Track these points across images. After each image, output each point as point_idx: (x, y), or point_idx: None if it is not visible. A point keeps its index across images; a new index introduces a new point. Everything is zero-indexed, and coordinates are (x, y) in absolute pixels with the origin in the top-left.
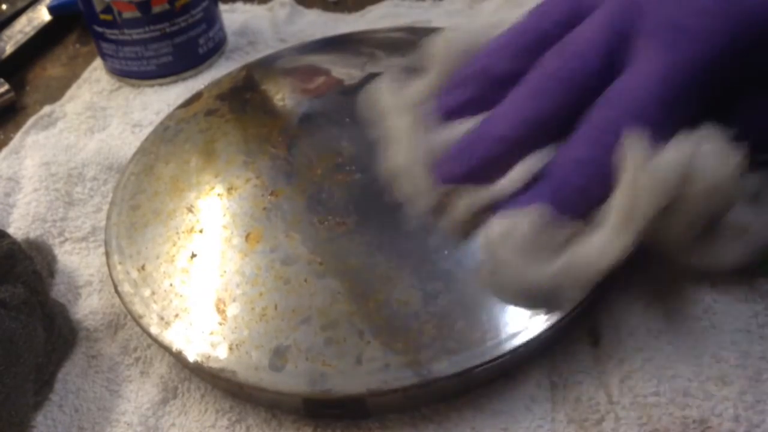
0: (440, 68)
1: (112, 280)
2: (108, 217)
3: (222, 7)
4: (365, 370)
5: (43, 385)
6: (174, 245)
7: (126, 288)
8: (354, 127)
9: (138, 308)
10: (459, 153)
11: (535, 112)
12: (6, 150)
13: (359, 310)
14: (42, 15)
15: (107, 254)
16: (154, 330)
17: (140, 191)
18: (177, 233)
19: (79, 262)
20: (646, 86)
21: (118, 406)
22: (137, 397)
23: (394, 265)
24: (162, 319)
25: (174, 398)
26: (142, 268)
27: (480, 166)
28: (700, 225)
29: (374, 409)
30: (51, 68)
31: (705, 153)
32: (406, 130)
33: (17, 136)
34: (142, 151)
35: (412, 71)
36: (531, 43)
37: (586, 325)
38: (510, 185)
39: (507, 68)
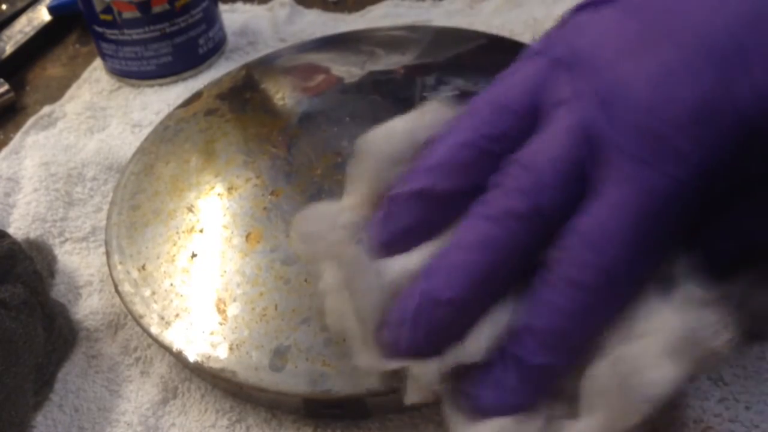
0: (366, 186)
1: (113, 279)
2: (108, 217)
3: (222, 7)
4: (365, 371)
5: (43, 385)
6: (174, 245)
7: (126, 288)
8: (354, 125)
9: (138, 308)
10: (402, 322)
11: (488, 265)
12: (6, 150)
13: None
14: (42, 15)
15: (107, 254)
16: (154, 330)
17: (140, 191)
18: (177, 233)
19: (79, 262)
20: (614, 225)
21: (118, 406)
22: (137, 397)
23: None
24: (162, 318)
25: (174, 398)
26: (143, 267)
27: (427, 338)
28: None
29: (374, 409)
30: (51, 68)
31: (697, 328)
32: (343, 280)
33: (17, 136)
34: (142, 150)
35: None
36: (479, 153)
37: None
38: (474, 354)
39: (450, 187)
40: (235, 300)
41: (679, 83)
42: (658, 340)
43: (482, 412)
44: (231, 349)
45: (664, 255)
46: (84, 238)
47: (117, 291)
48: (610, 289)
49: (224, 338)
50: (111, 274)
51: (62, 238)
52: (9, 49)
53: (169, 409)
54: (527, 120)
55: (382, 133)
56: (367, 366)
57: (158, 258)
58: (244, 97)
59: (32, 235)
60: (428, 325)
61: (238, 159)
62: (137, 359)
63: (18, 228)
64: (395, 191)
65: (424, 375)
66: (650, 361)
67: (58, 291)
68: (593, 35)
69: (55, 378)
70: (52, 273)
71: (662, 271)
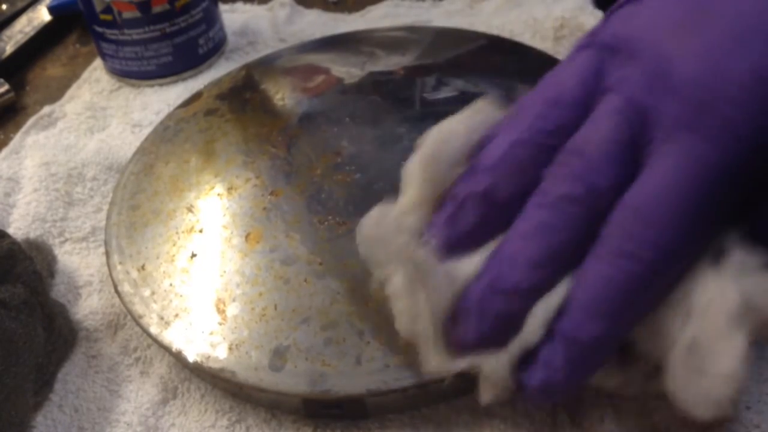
0: (425, 187)
1: (112, 279)
2: (108, 217)
3: (222, 7)
4: (365, 371)
5: (43, 385)
6: (174, 245)
7: (126, 288)
8: (354, 126)
9: (138, 308)
10: (468, 315)
11: (547, 250)
12: (6, 150)
13: (359, 311)
14: (42, 15)
15: (107, 254)
16: (153, 330)
17: (140, 191)
18: (177, 233)
19: (79, 262)
20: (665, 195)
21: (118, 406)
22: (137, 397)
23: None
24: (162, 318)
25: (174, 398)
26: (142, 267)
27: (493, 327)
28: None
29: (374, 409)
30: (51, 68)
31: (756, 293)
32: (413, 283)
33: (17, 136)
34: (142, 151)
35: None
36: (536, 149)
37: None
38: (532, 337)
39: (510, 186)
40: (234, 300)
41: (727, 55)
42: (721, 312)
43: (532, 394)
44: (230, 349)
45: (716, 226)
46: (84, 238)
47: (116, 291)
48: (659, 259)
49: (224, 338)
50: (110, 274)
51: (62, 238)
52: (9, 49)
53: (168, 410)
54: (580, 111)
55: (438, 133)
56: (438, 369)
57: (158, 258)
58: (243, 97)
59: (32, 235)
60: (493, 314)
61: (238, 159)
62: (137, 359)
63: (18, 228)
64: (457, 192)
65: (495, 370)
66: (721, 339)
67: (58, 291)
68: (638, 22)
69: (55, 378)
70: (52, 273)
71: (714, 243)
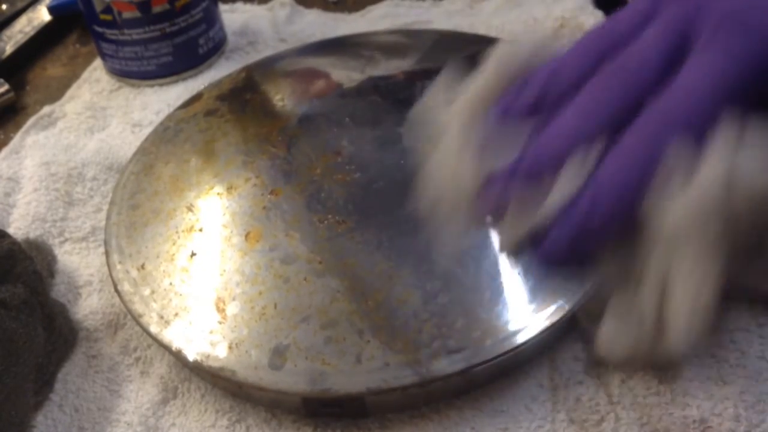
0: (501, 70)
1: (112, 279)
2: (108, 217)
3: (222, 7)
4: (365, 369)
5: (43, 385)
6: (174, 244)
7: (126, 287)
8: (354, 127)
9: (138, 307)
10: (531, 154)
11: (596, 114)
12: (6, 150)
13: (359, 309)
14: (42, 15)
15: (107, 253)
16: (153, 329)
17: (140, 191)
18: (177, 232)
19: (79, 262)
20: (701, 83)
21: (118, 406)
22: (137, 397)
23: (393, 264)
24: (162, 318)
25: (174, 398)
26: (142, 267)
27: (546, 163)
28: (751, 241)
29: (374, 408)
30: (51, 68)
31: (746, 158)
32: (459, 132)
33: (17, 136)
34: (142, 151)
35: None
36: (603, 47)
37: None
38: (568, 189)
39: (576, 72)
40: (234, 299)
41: None
42: (716, 168)
43: (539, 262)
44: (230, 348)
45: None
46: (84, 238)
47: (116, 290)
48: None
49: (223, 337)
50: (110, 274)
51: (62, 238)
52: (9, 49)
53: (169, 409)
54: (641, 24)
55: (510, 47)
56: (461, 227)
57: (157, 257)
58: (243, 98)
59: (32, 235)
60: (551, 153)
61: (238, 159)
62: (137, 359)
63: (18, 228)
64: (528, 73)
65: (522, 220)
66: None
67: (58, 291)
68: None
69: (56, 378)
70: (52, 273)
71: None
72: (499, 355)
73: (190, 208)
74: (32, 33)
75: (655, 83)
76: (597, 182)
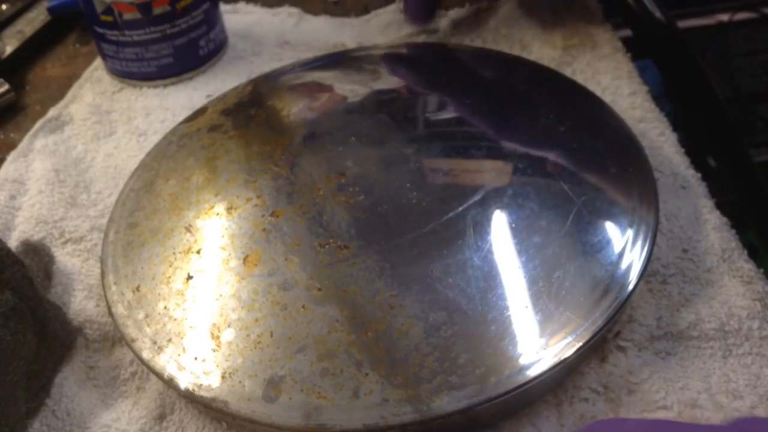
0: None
1: (107, 300)
2: (105, 235)
3: (224, 7)
4: (362, 405)
5: (39, 390)
6: (170, 266)
7: (120, 310)
8: (359, 146)
9: (131, 331)
10: None
11: None
12: (14, 153)
13: (358, 340)
14: (42, 15)
15: (103, 273)
16: (146, 355)
17: (139, 208)
18: (174, 253)
19: (80, 265)
20: None
21: (114, 419)
22: (134, 410)
23: (395, 293)
24: (155, 343)
25: (171, 414)
26: (137, 289)
27: None
28: None
29: None
30: (51, 68)
31: None
32: None
33: (25, 140)
34: (144, 166)
35: None
36: None
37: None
38: None
39: None
40: (229, 326)
41: None
42: None
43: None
44: (223, 377)
45: None
46: (82, 238)
47: (110, 312)
48: None
49: (217, 366)
50: (105, 295)
51: (63, 239)
52: (9, 49)
53: (166, 425)
54: None
55: None
56: None
57: (153, 279)
58: (249, 113)
59: (35, 238)
60: None
61: (240, 178)
62: (133, 374)
63: (22, 231)
64: None
65: None
66: None
67: (56, 293)
68: None
69: (52, 383)
70: (49, 275)
71: None
72: (504, 394)
73: (188, 229)
74: (32, 33)
75: None
76: None
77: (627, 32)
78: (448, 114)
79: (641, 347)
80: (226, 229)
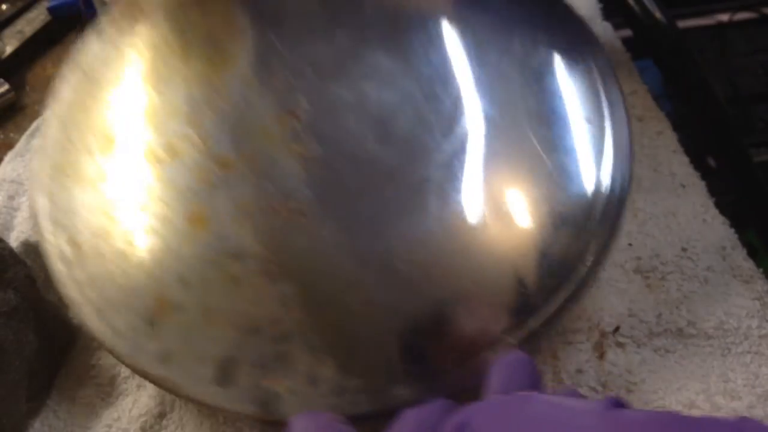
0: None
1: (44, 251)
2: (33, 170)
3: None
4: (318, 393)
5: (39, 390)
6: (109, 218)
7: (59, 267)
8: (315, 79)
9: (72, 293)
10: None
11: None
12: (11, 153)
13: (316, 323)
14: (42, 15)
15: (35, 214)
16: (89, 322)
17: (68, 145)
18: (112, 202)
19: None
20: None
21: (115, 419)
22: (134, 409)
23: (356, 270)
24: (99, 310)
25: (171, 411)
26: (75, 243)
27: None
28: None
29: None
30: (51, 68)
31: None
32: None
33: (22, 140)
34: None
35: None
36: None
37: (592, 341)
38: None
39: None
40: (176, 296)
41: None
42: None
43: None
44: (169, 355)
45: None
46: None
47: (50, 268)
48: None
49: (163, 341)
50: (41, 244)
51: None
52: (9, 49)
53: (166, 423)
54: None
55: None
56: None
57: (92, 232)
58: (188, 18)
59: (34, 238)
60: None
61: (180, 108)
62: (133, 372)
63: (21, 231)
64: None
65: None
66: None
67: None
68: None
69: (53, 382)
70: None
71: None
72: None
73: (126, 173)
74: (32, 33)
75: None
76: None
77: (627, 32)
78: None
79: (640, 344)
80: (168, 179)
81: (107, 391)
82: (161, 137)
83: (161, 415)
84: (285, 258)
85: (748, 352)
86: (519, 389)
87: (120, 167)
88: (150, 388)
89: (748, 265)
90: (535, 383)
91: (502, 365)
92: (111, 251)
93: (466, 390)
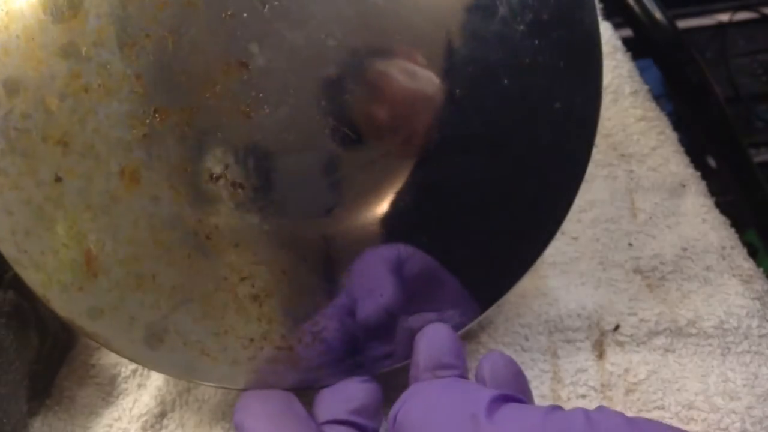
0: None
1: None
2: None
3: None
4: (245, 370)
5: (40, 390)
6: (34, 159)
7: None
8: (270, 20)
9: (8, 248)
10: None
11: None
12: None
13: (247, 307)
14: None
15: None
16: (26, 277)
17: None
18: (38, 138)
19: None
20: None
21: (115, 419)
22: (135, 408)
23: (292, 259)
24: (32, 259)
25: (172, 411)
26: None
27: None
28: None
29: None
30: None
31: None
32: None
33: None
34: None
35: None
36: None
37: (591, 339)
38: None
39: None
40: (107, 256)
41: None
42: None
43: None
44: (102, 311)
45: None
46: None
47: None
48: None
49: (96, 297)
50: None
51: None
52: None
53: (166, 422)
54: None
55: None
56: None
57: (17, 173)
58: None
59: None
60: None
61: (111, 35)
62: (134, 371)
63: None
64: None
65: None
66: None
67: None
68: None
69: (53, 383)
70: None
71: None
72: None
73: (49, 105)
74: None
75: None
76: None
77: (627, 32)
78: None
79: (639, 342)
80: (96, 122)
81: (108, 391)
82: (89, 66)
83: (162, 415)
84: (218, 236)
85: (748, 352)
86: (444, 366)
87: (41, 101)
88: (151, 388)
89: (748, 265)
90: (458, 356)
91: (428, 339)
92: (36, 195)
93: None
